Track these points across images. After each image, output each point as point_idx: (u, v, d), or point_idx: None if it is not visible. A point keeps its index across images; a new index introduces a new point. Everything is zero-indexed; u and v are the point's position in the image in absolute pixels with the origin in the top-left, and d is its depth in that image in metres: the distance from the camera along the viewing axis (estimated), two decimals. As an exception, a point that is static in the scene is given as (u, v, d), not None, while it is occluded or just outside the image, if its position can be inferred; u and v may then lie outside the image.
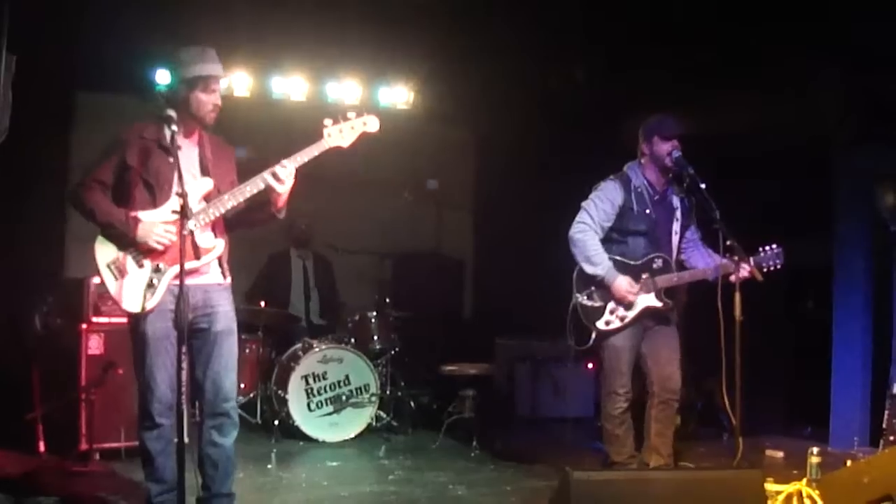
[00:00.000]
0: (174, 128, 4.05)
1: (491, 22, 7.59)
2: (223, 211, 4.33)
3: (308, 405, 7.10)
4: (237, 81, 8.51)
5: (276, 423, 7.08)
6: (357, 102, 8.84)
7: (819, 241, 7.16)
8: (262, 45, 8.06)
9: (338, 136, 4.43)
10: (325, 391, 7.17)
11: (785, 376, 7.79)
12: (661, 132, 5.50)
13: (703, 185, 5.27)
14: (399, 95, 9.16)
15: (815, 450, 5.32)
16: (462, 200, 10.25)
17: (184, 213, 3.92)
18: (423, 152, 9.12)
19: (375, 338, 7.61)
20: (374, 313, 7.69)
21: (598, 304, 5.56)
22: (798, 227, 6.66)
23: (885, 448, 5.91)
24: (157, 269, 4.23)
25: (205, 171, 4.41)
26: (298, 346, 7.39)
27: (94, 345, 6.08)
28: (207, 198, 4.36)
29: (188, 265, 4.12)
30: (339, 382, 7.21)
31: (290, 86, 8.76)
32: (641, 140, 5.62)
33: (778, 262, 5.40)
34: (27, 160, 6.84)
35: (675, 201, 5.68)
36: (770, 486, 4.98)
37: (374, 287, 8.44)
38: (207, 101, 4.32)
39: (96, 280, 6.09)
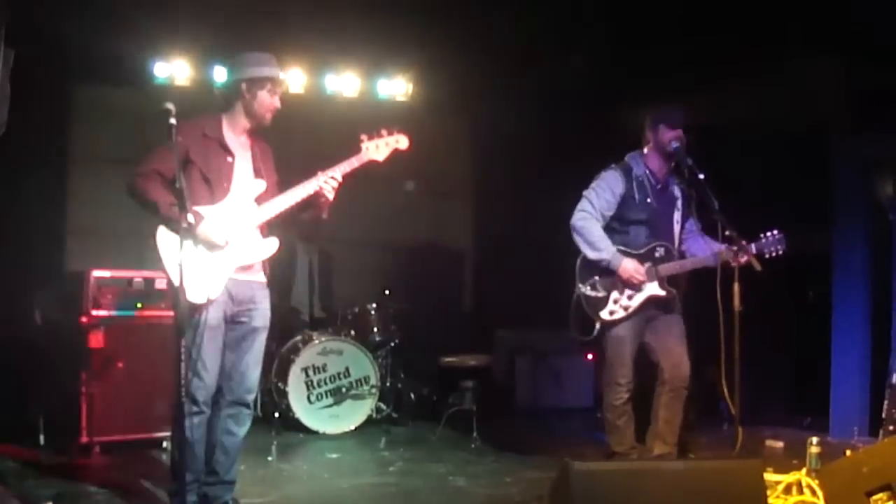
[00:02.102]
0: (172, 121, 4.06)
1: (489, 12, 7.58)
2: (275, 213, 4.53)
3: (308, 397, 7.11)
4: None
5: (277, 415, 7.10)
6: (356, 95, 8.84)
7: (819, 230, 7.15)
8: (259, 37, 8.01)
9: (374, 150, 4.73)
10: (325, 383, 7.18)
11: (785, 366, 7.80)
12: (668, 121, 5.52)
13: (701, 176, 5.28)
14: (397, 87, 9.13)
15: (815, 440, 5.33)
16: (461, 192, 10.24)
17: (182, 204, 3.95)
18: (422, 144, 9.09)
19: (375, 330, 7.62)
20: (374, 305, 7.70)
21: (601, 294, 5.56)
22: (797, 216, 6.66)
23: (885, 438, 5.91)
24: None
25: (258, 174, 4.59)
26: (298, 338, 7.40)
27: (95, 338, 6.07)
28: (259, 200, 4.54)
29: (242, 262, 4.44)
30: (339, 374, 7.22)
31: (288, 78, 8.72)
32: (647, 128, 5.63)
33: (780, 247, 5.38)
34: (26, 153, 6.83)
35: (677, 191, 5.68)
36: (770, 476, 4.99)
37: (374, 279, 8.44)
38: (270, 103, 4.58)
39: (97, 273, 6.15)
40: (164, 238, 4.34)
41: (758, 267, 5.25)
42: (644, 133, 5.67)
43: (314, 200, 4.61)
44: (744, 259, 5.25)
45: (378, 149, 4.72)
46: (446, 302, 9.72)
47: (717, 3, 6.99)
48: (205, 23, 7.43)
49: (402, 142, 4.84)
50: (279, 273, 8.16)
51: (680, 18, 7.25)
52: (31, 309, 6.64)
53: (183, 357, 3.92)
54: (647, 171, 5.60)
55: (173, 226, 4.29)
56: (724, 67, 7.19)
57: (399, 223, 9.34)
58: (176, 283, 4.26)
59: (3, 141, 4.70)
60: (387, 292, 7.85)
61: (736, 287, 5.09)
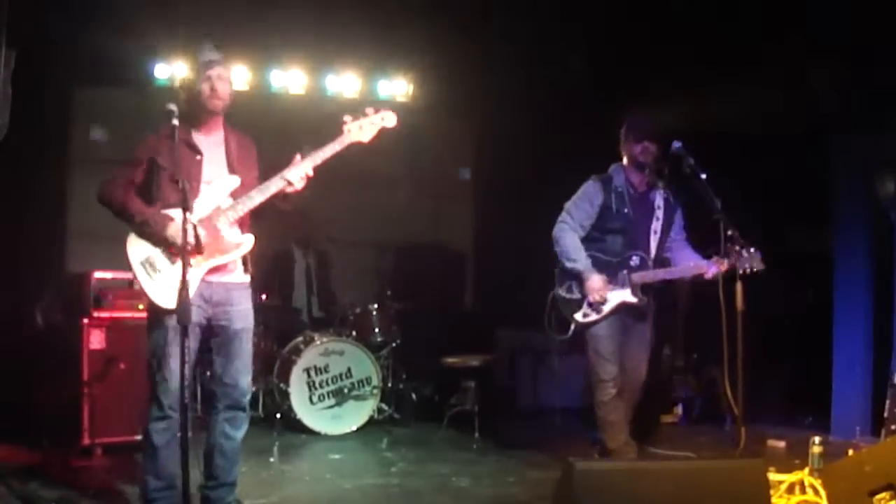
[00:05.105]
0: (175, 122, 4.07)
1: (490, 13, 7.58)
2: (250, 208, 4.42)
3: (310, 398, 7.11)
4: (236, 75, 8.48)
5: (278, 416, 7.10)
6: (356, 96, 8.84)
7: (819, 230, 7.16)
8: (261, 38, 8.04)
9: (357, 131, 4.56)
10: (327, 384, 7.18)
11: (786, 366, 7.80)
12: (634, 134, 5.65)
13: (703, 176, 5.28)
14: (398, 88, 9.16)
15: (817, 439, 5.34)
16: (462, 192, 10.25)
17: (185, 205, 3.95)
18: (422, 144, 9.10)
19: (377, 330, 7.63)
20: (376, 306, 7.70)
21: (576, 296, 5.69)
22: (798, 216, 6.66)
23: (887, 437, 5.91)
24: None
25: (231, 169, 4.49)
26: (300, 339, 7.40)
27: (96, 339, 6.06)
28: (234, 195, 4.44)
29: (216, 261, 4.32)
30: (340, 375, 7.22)
31: (289, 79, 8.75)
32: (621, 140, 5.75)
33: (755, 265, 5.31)
34: (27, 155, 6.83)
35: (658, 200, 5.75)
36: (772, 476, 4.99)
37: (375, 279, 8.44)
38: (206, 87, 4.39)
39: (98, 274, 6.15)
40: (134, 244, 4.31)
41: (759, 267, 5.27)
42: (620, 145, 5.77)
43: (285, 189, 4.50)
44: (723, 269, 5.29)
45: (362, 129, 4.56)
46: (447, 302, 9.73)
47: (718, 3, 6.99)
48: (205, 24, 7.42)
49: (388, 119, 4.65)
50: (279, 274, 8.25)
51: (680, 18, 7.26)
52: (32, 310, 6.64)
53: (187, 360, 3.89)
54: (627, 182, 5.73)
55: (143, 230, 4.28)
56: (723, 67, 7.19)
57: (400, 223, 9.35)
58: (145, 287, 4.26)
59: (5, 143, 4.70)
60: (388, 293, 7.85)
61: (739, 287, 5.09)
